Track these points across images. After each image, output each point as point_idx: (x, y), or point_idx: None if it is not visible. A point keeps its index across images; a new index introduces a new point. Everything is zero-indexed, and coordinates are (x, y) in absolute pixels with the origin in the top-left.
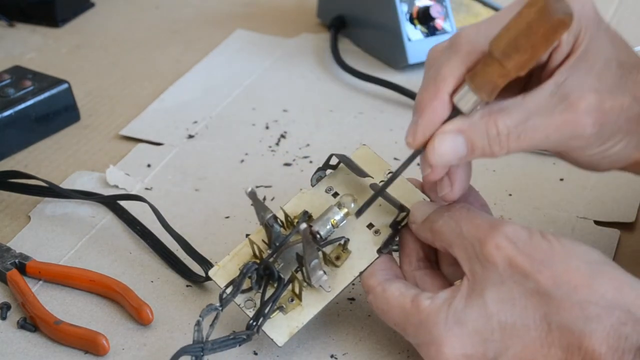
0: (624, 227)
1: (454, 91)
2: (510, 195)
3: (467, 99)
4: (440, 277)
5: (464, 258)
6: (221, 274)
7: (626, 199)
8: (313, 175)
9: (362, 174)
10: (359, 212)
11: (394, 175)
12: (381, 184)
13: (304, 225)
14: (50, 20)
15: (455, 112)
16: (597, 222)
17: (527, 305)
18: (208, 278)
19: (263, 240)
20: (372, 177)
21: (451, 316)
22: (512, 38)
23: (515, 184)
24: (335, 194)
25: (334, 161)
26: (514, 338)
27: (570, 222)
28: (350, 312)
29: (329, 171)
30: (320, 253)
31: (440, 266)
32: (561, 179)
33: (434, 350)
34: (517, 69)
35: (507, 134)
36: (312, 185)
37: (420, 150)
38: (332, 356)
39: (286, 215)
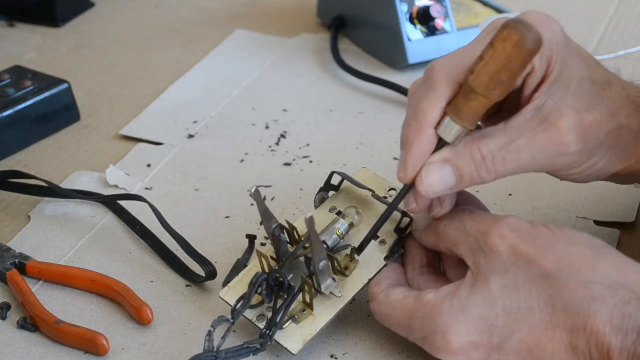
0: (624, 227)
1: (438, 124)
2: (510, 195)
3: (449, 129)
4: (444, 281)
5: (468, 253)
6: (232, 295)
7: (626, 199)
8: (316, 197)
9: (363, 187)
10: (359, 249)
11: (388, 212)
12: (384, 199)
13: (309, 215)
14: (50, 20)
15: (441, 143)
16: (597, 222)
17: (531, 289)
18: (208, 278)
19: (271, 257)
20: (374, 191)
21: (456, 303)
22: (494, 73)
23: (515, 184)
24: (339, 213)
25: (335, 180)
26: (519, 322)
27: (570, 222)
28: (350, 312)
29: (331, 193)
30: (328, 261)
31: (445, 270)
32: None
33: (439, 339)
34: (500, 97)
35: (493, 158)
36: (316, 207)
37: (412, 185)
38: (332, 356)
39: (293, 228)
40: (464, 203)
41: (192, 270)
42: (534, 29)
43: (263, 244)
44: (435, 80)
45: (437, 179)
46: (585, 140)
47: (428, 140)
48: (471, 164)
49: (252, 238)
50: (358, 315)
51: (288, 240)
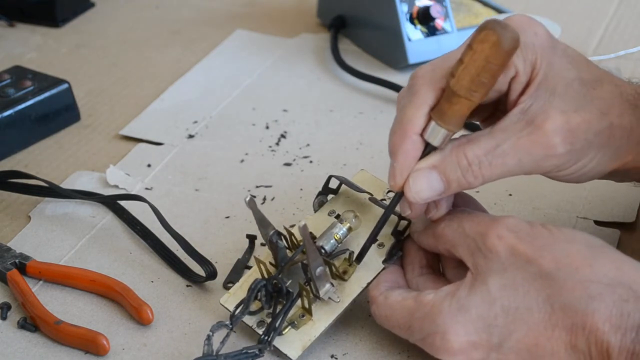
0: (624, 227)
1: (424, 130)
2: (510, 195)
3: (435, 133)
4: (443, 281)
5: (467, 254)
6: (232, 301)
7: (626, 199)
8: (314, 200)
9: (361, 190)
10: (358, 258)
11: (382, 220)
12: (382, 201)
13: (302, 222)
14: (50, 20)
15: (429, 148)
16: (597, 222)
17: (530, 289)
18: (208, 278)
19: (270, 263)
20: (371, 194)
21: (455, 304)
22: (474, 75)
23: (515, 184)
24: (338, 217)
25: (333, 183)
26: (518, 322)
27: (570, 222)
28: (350, 312)
29: (330, 196)
30: (325, 266)
31: (445, 271)
32: None
33: (439, 339)
34: (482, 98)
35: (479, 163)
36: (315, 211)
37: (402, 192)
38: (332, 356)
39: (290, 234)
40: (461, 204)
41: (192, 270)
42: (511, 27)
43: (263, 244)
44: (418, 87)
45: (425, 186)
46: (573, 141)
47: (413, 147)
48: (457, 170)
49: (252, 238)
50: (358, 316)
51: (286, 245)
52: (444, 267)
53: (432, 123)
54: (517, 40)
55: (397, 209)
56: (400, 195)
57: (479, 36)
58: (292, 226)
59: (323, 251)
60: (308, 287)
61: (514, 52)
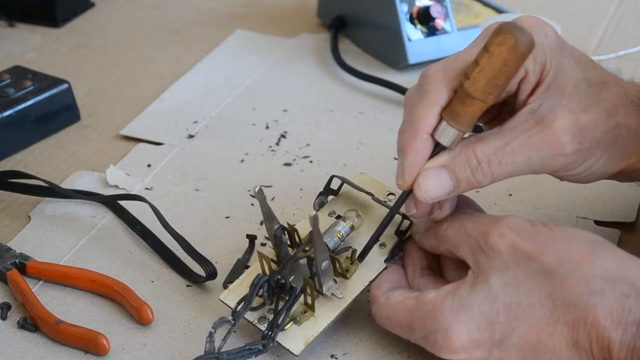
0: (624, 227)
1: (435, 129)
2: (510, 195)
3: (446, 133)
4: (444, 282)
5: (469, 253)
6: (232, 297)
7: (626, 199)
8: (315, 201)
9: (363, 191)
10: (361, 257)
11: (387, 219)
12: (385, 203)
13: (312, 213)
14: (50, 20)
15: (439, 147)
16: (597, 222)
17: (531, 286)
18: (208, 278)
19: (272, 260)
20: (373, 194)
21: (456, 302)
22: (490, 78)
23: (515, 184)
24: (339, 217)
25: (334, 184)
26: (520, 318)
27: (570, 222)
28: (350, 312)
29: (330, 197)
30: (330, 261)
31: (445, 272)
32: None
33: (441, 337)
34: (495, 99)
35: (488, 162)
36: (315, 211)
37: (411, 190)
38: (332, 356)
39: (293, 230)
40: (462, 205)
41: (192, 270)
42: (527, 31)
43: (263, 244)
44: (429, 87)
45: (434, 185)
46: (581, 140)
47: (423, 146)
48: (467, 168)
49: (252, 238)
50: (358, 315)
51: (288, 243)
52: (444, 269)
53: (444, 123)
54: (532, 43)
55: (402, 208)
56: (407, 194)
57: (497, 39)
58: (293, 225)
59: (326, 248)
60: (312, 281)
61: (529, 54)
